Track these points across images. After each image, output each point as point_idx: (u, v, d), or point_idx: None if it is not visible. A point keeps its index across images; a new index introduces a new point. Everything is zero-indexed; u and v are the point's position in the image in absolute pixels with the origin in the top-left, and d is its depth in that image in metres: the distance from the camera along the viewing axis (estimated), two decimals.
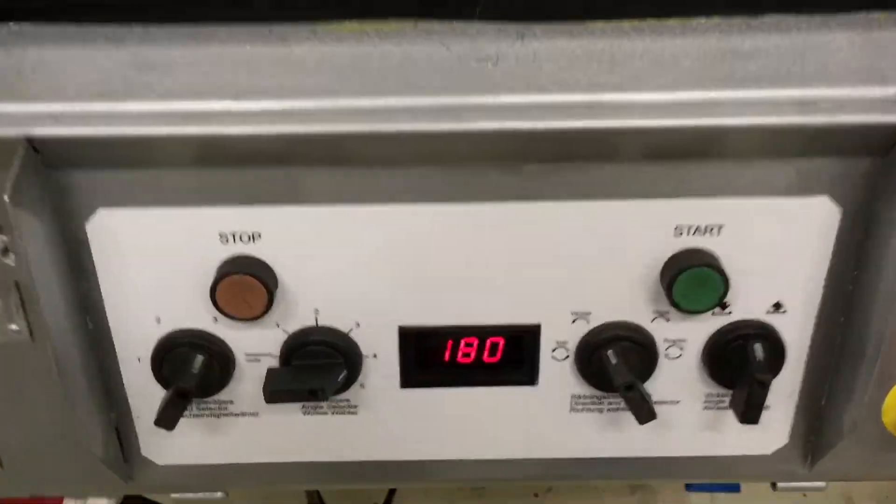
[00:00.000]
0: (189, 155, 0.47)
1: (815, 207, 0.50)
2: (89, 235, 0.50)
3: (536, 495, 1.16)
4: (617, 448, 0.60)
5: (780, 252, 0.51)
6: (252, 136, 0.46)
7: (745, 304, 0.53)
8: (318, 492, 0.96)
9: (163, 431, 0.55)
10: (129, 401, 0.57)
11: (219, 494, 0.62)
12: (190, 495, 0.62)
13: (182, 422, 0.57)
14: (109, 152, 0.47)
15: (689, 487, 1.14)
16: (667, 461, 0.60)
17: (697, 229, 0.50)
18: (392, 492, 1.05)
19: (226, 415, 0.58)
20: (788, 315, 0.54)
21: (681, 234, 0.50)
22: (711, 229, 0.50)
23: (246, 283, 0.50)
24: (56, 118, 0.46)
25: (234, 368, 0.55)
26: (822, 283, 0.52)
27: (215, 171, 0.48)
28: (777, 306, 0.53)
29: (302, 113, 0.46)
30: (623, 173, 0.49)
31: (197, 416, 0.58)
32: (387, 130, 0.46)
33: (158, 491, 0.64)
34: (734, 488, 1.13)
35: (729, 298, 0.52)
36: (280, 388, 0.53)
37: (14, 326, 0.50)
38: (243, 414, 0.58)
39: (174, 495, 0.62)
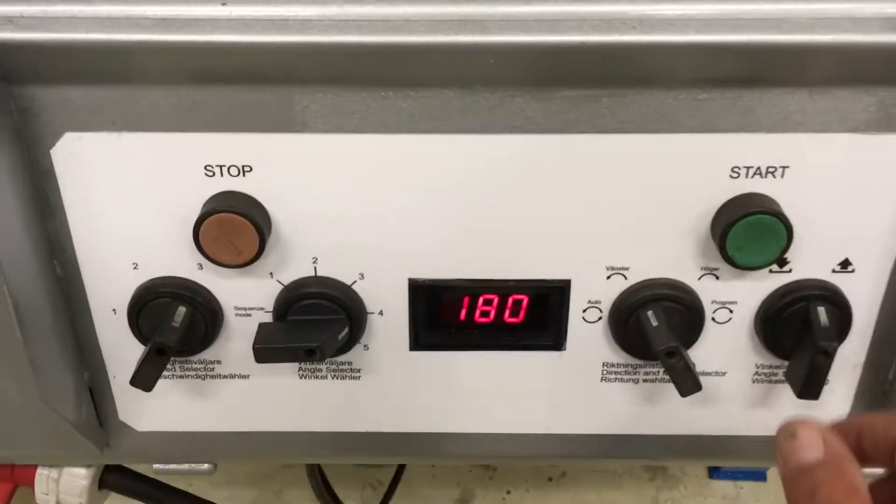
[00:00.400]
0: (169, 69, 0.42)
1: None
2: (55, 164, 0.45)
3: (550, 479, 1.12)
4: (652, 425, 0.54)
5: (852, 200, 0.45)
6: (242, 47, 0.40)
7: (808, 261, 0.47)
8: (319, 468, 0.90)
9: (141, 393, 0.50)
10: (104, 358, 0.52)
11: (205, 466, 0.57)
12: (173, 466, 0.57)
13: (164, 383, 0.52)
14: (77, 64, 0.41)
15: (712, 475, 1.10)
16: (708, 441, 0.54)
17: (758, 171, 0.44)
18: (399, 472, 1.00)
19: (213, 377, 0.52)
20: (857, 274, 0.48)
21: (738, 175, 0.44)
22: (774, 171, 0.44)
23: (234, 223, 0.44)
24: (14, 21, 0.40)
25: (221, 324, 0.50)
26: None
27: (200, 90, 0.43)
28: (845, 264, 0.47)
29: (300, 21, 0.40)
30: (672, 102, 0.43)
31: (180, 377, 0.52)
32: (399, 43, 0.40)
33: (138, 460, 0.58)
34: (760, 477, 1.09)
35: (789, 253, 0.46)
36: (272, 345, 0.47)
37: None
38: (232, 376, 0.52)
39: (156, 466, 0.57)
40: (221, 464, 0.58)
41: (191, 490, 0.65)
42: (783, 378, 0.50)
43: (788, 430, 0.40)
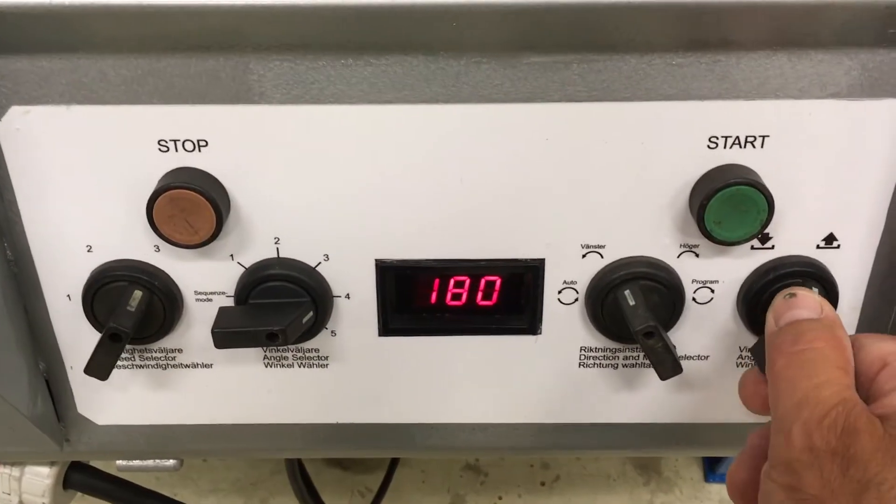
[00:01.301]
0: (118, 36, 0.40)
1: (883, 113, 0.42)
2: (1, 139, 0.43)
3: (543, 484, 1.10)
4: (633, 412, 0.52)
5: (836, 170, 0.43)
6: (192, 9, 0.38)
7: (791, 237, 0.46)
8: (302, 472, 0.87)
9: (100, 385, 0.48)
10: (60, 347, 0.50)
11: (171, 462, 0.55)
12: (137, 463, 0.55)
13: (123, 374, 0.50)
14: (20, 32, 0.40)
15: (708, 478, 1.08)
16: (691, 429, 0.53)
17: (736, 140, 0.43)
18: (388, 478, 0.97)
19: (174, 366, 0.50)
20: (843, 250, 0.46)
21: (716, 145, 0.43)
22: (753, 140, 0.43)
23: (188, 200, 0.42)
24: None
25: (180, 309, 0.48)
26: (885, 209, 0.45)
27: (151, 59, 0.41)
28: (829, 239, 0.45)
29: None
30: (646, 68, 0.41)
31: (140, 366, 0.50)
32: (358, 4, 0.38)
33: (99, 456, 0.56)
34: None
35: (771, 229, 0.44)
36: (231, 328, 0.45)
37: None
38: (195, 365, 0.50)
39: (119, 463, 0.55)
40: (188, 459, 0.55)
41: (176, 498, 0.63)
42: None
43: (788, 291, 0.40)
